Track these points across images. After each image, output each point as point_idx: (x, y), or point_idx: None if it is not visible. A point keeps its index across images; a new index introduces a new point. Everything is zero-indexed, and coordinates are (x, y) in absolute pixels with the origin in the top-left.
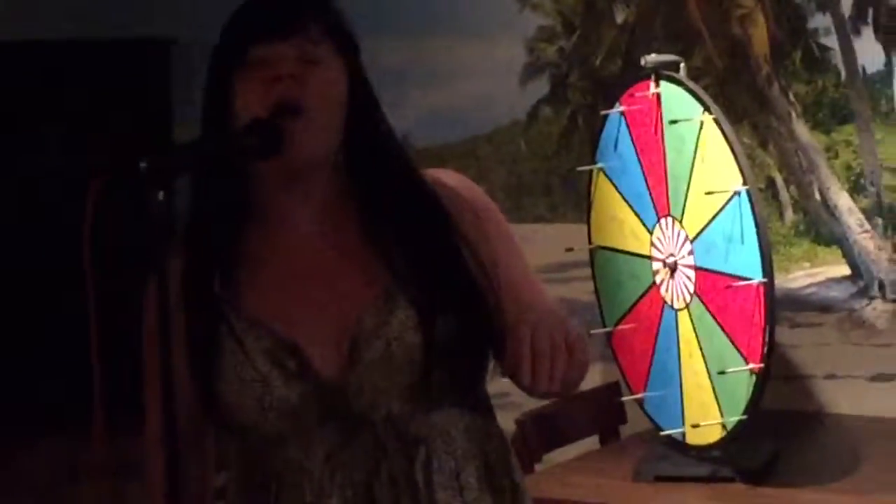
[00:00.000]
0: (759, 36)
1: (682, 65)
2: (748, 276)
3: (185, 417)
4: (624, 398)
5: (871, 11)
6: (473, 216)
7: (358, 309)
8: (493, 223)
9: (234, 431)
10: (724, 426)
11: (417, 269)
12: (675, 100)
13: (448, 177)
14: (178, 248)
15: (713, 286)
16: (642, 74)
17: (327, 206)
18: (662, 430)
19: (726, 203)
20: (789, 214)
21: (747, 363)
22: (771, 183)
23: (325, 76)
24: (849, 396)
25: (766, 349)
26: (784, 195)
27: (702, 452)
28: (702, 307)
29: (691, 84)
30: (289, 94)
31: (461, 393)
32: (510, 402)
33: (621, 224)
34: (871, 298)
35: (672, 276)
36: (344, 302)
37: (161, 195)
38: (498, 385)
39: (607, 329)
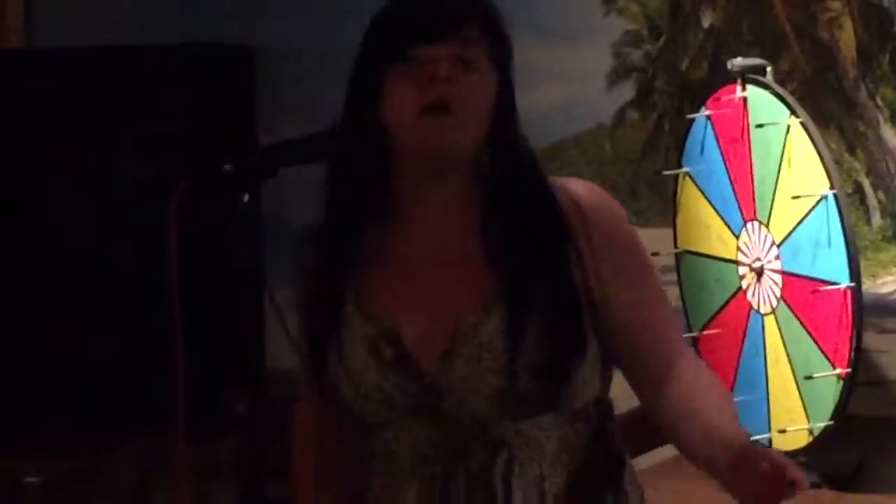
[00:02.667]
0: (847, 40)
1: (769, 69)
2: (835, 280)
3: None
4: None
5: None
6: (591, 229)
7: (459, 308)
8: (616, 240)
9: (343, 412)
10: (810, 431)
11: (521, 275)
12: (762, 104)
13: (578, 186)
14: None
15: (800, 291)
16: (729, 78)
17: (455, 202)
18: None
19: (813, 207)
20: (877, 219)
21: (834, 368)
22: (858, 188)
23: (477, 79)
24: None
25: (853, 354)
26: (872, 200)
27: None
28: (788, 312)
29: (778, 88)
30: (442, 98)
31: (555, 404)
32: None
33: (707, 228)
34: None
35: (758, 280)
36: (448, 299)
37: (245, 198)
38: None
39: (693, 334)
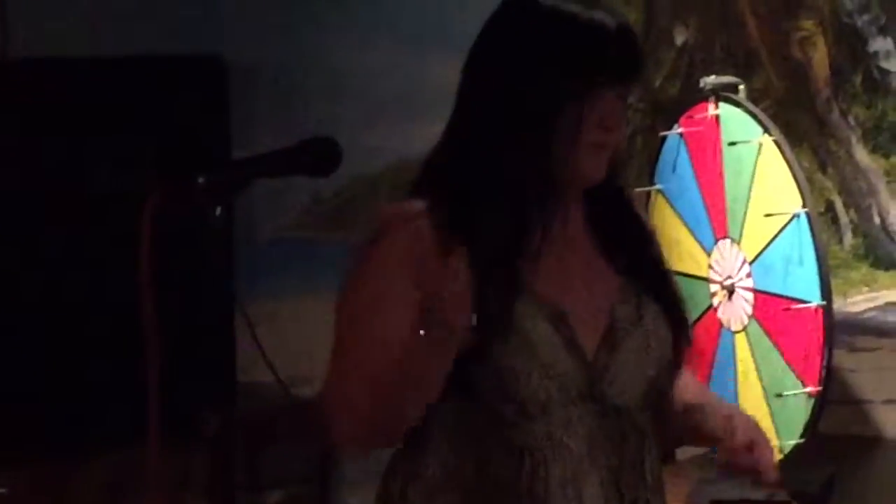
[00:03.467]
0: (820, 59)
1: (741, 87)
2: (807, 298)
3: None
4: None
5: None
6: None
7: (610, 298)
8: None
9: (472, 402)
10: (780, 449)
11: (643, 276)
12: (735, 122)
13: None
14: (412, 208)
15: (771, 309)
16: (701, 96)
17: (574, 210)
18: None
19: (785, 225)
20: (848, 238)
21: (805, 386)
22: (830, 206)
23: (626, 114)
24: None
25: (823, 373)
26: (843, 219)
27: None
28: (759, 330)
29: (751, 106)
30: (610, 143)
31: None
32: None
33: (679, 245)
34: None
35: (730, 298)
36: (598, 290)
37: (218, 211)
38: None
39: None
